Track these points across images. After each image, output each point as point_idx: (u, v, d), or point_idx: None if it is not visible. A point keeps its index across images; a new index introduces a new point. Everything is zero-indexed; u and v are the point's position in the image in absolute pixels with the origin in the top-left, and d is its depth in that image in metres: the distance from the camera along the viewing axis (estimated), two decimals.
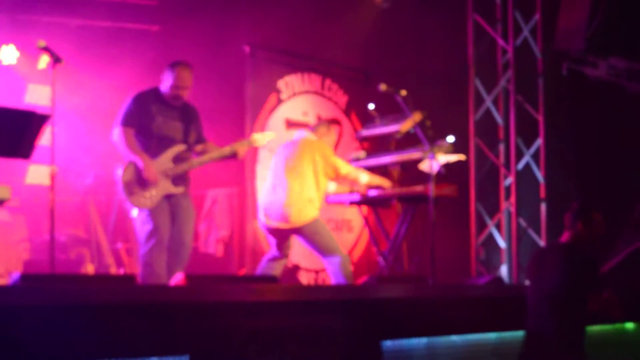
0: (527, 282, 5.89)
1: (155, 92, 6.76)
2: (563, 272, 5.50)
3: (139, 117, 6.61)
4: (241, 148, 6.96)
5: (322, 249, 7.34)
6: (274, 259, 7.54)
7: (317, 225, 7.35)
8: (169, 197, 6.62)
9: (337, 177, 7.58)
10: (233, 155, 6.97)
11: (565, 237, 5.66)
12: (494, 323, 6.55)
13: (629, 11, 8.75)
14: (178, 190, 6.67)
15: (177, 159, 6.68)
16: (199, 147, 6.93)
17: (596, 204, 5.85)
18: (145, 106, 6.64)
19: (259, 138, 7.23)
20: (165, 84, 6.71)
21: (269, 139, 7.38)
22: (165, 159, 6.62)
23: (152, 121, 6.62)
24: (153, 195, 6.53)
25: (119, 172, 6.56)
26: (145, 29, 9.94)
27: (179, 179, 6.70)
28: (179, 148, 6.69)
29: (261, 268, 7.56)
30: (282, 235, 7.44)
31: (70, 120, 8.82)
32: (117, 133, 6.61)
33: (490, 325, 6.52)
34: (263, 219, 7.54)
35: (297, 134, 7.82)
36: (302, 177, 7.35)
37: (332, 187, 7.89)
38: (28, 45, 8.18)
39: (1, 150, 5.78)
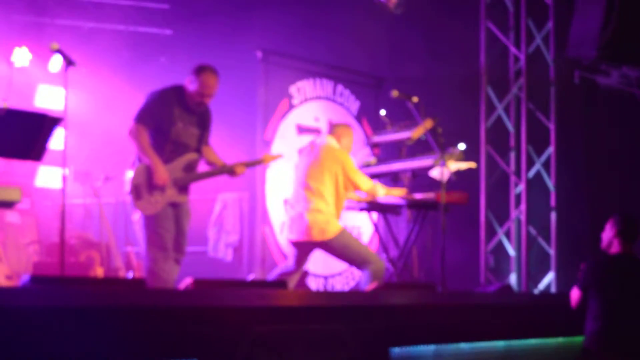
0: (576, 290, 5.87)
1: (179, 92, 6.53)
2: None
3: (159, 118, 6.40)
4: (241, 168, 6.73)
5: (353, 261, 7.23)
6: (288, 272, 7.44)
7: (345, 238, 7.20)
8: (172, 205, 6.48)
9: (357, 191, 7.49)
10: (231, 172, 6.73)
11: (625, 248, 5.83)
12: (503, 331, 6.54)
13: None
14: (182, 199, 6.51)
15: (187, 168, 6.53)
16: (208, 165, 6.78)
17: (607, 213, 5.95)
18: (168, 108, 6.44)
19: (268, 158, 7.13)
20: (189, 88, 6.50)
21: (277, 159, 7.28)
22: (177, 167, 6.46)
23: (172, 125, 6.42)
24: (158, 201, 6.37)
25: (130, 173, 6.42)
26: (157, 33, 9.96)
27: (184, 188, 6.55)
28: (191, 157, 6.54)
29: (272, 278, 7.48)
30: (305, 249, 7.31)
31: (81, 123, 8.84)
32: (132, 130, 6.38)
33: (498, 333, 6.51)
34: (287, 234, 7.48)
35: (318, 139, 7.68)
36: (323, 189, 7.21)
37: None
38: (41, 47, 8.20)
39: (13, 152, 5.81)
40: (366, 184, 7.41)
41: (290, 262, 7.45)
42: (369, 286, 6.76)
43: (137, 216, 6.46)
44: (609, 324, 5.70)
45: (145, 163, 6.36)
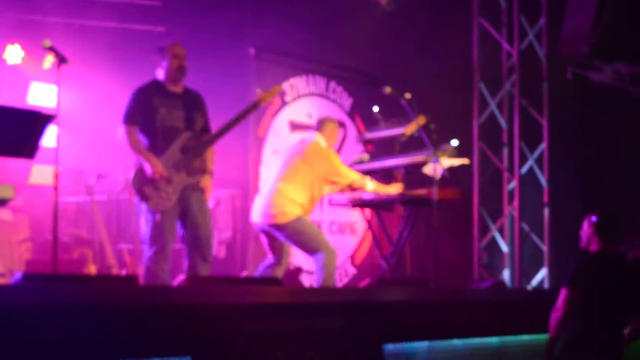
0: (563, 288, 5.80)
1: (154, 84, 6.60)
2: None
3: (142, 113, 6.45)
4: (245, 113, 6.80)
5: (307, 248, 7.17)
6: (270, 266, 7.42)
7: (300, 224, 7.14)
8: (181, 196, 6.45)
9: (343, 184, 7.48)
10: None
11: (605, 245, 5.75)
12: (496, 327, 6.54)
13: (634, 16, 8.73)
14: (194, 180, 6.50)
15: (185, 149, 6.50)
16: (205, 137, 6.73)
17: (600, 209, 5.90)
18: (146, 99, 6.47)
19: (267, 96, 7.04)
20: (162, 69, 6.59)
21: (277, 92, 7.25)
22: (173, 152, 6.44)
23: (155, 114, 6.44)
24: (170, 192, 6.37)
25: (130, 177, 6.44)
26: (149, 30, 9.94)
27: (192, 168, 6.53)
28: (184, 137, 6.52)
29: (258, 274, 7.48)
30: (267, 233, 7.31)
31: (73, 120, 8.82)
32: (121, 133, 6.46)
33: (492, 330, 6.51)
34: (251, 217, 7.48)
35: (307, 135, 7.66)
36: (295, 178, 7.20)
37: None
38: (33, 45, 8.18)
39: (5, 149, 5.79)
40: (353, 174, 7.39)
41: (268, 254, 7.43)
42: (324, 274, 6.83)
43: (158, 216, 6.42)
44: (587, 322, 5.66)
45: (142, 163, 6.39)
